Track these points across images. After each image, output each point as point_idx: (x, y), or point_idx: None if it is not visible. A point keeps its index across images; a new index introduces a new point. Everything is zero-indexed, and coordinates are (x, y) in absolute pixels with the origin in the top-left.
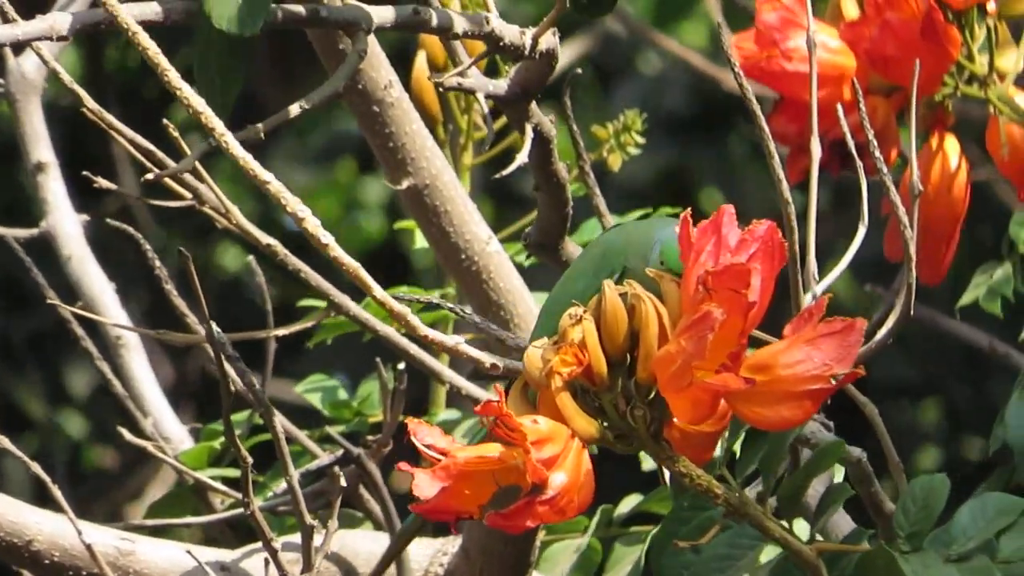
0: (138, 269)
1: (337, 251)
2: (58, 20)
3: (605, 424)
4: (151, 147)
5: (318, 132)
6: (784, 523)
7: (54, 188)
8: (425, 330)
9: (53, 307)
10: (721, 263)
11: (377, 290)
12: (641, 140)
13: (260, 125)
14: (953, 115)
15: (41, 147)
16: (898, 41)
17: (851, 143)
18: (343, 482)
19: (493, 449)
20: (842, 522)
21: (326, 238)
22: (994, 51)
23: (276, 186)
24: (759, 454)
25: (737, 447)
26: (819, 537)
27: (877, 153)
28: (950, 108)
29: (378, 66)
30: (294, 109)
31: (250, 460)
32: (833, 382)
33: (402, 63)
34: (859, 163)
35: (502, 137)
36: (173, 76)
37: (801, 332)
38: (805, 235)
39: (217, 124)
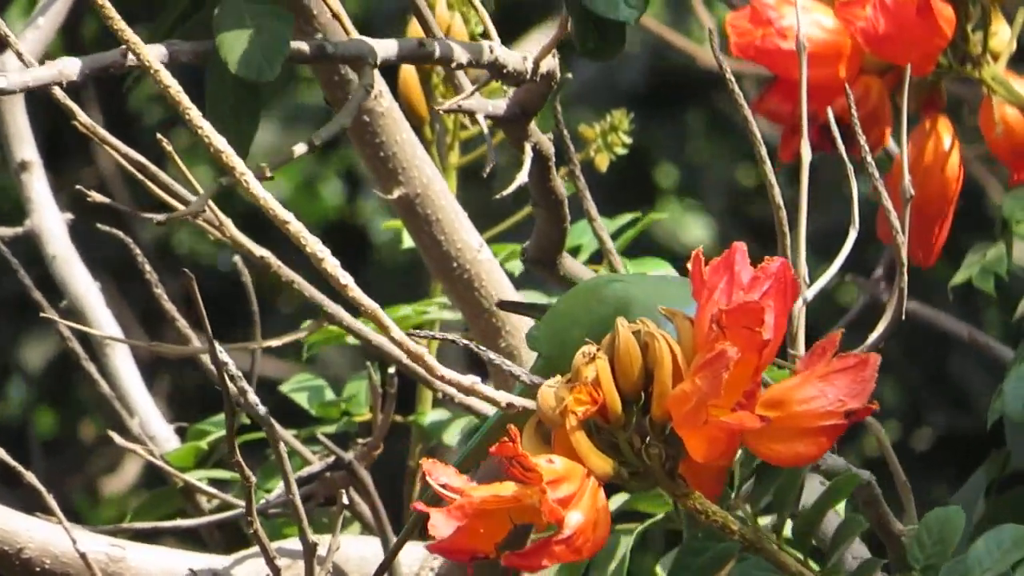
0: (117, 260)
1: (356, 292)
2: (67, 66)
3: (620, 462)
4: (143, 160)
5: (278, 103)
6: (799, 555)
7: (38, 187)
8: (442, 371)
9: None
10: (734, 301)
11: (395, 331)
12: (628, 140)
13: (265, 165)
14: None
15: (25, 146)
16: (893, 20)
17: (835, 127)
18: (333, 486)
19: (508, 488)
20: (854, 546)
21: (345, 279)
22: (988, 31)
23: (296, 226)
24: (772, 487)
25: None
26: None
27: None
28: (943, 88)
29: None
30: (300, 148)
31: (253, 480)
32: (847, 418)
33: (389, 67)
34: (848, 164)
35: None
36: (195, 114)
37: (814, 368)
38: (795, 239)
39: (238, 164)
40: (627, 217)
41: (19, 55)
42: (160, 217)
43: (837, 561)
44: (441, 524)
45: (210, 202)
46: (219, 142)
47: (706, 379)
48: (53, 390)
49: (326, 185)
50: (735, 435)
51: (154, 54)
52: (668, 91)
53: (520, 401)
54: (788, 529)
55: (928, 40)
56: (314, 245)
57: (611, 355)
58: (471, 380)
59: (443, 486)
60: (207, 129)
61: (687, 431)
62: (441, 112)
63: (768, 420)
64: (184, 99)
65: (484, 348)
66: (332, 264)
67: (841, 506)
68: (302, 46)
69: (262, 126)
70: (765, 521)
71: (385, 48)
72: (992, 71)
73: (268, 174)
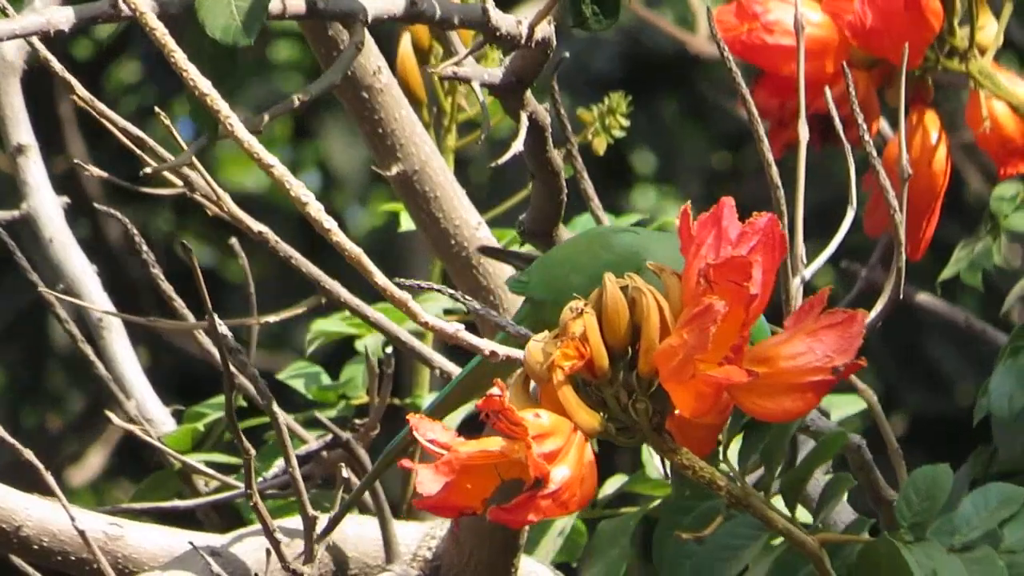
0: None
1: (339, 236)
2: (55, 15)
3: (607, 417)
4: (142, 135)
5: (254, 89)
6: (787, 512)
7: (34, 171)
8: (425, 317)
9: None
10: (722, 256)
11: (379, 276)
12: (626, 123)
13: (263, 115)
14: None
15: (21, 129)
16: (880, 14)
17: (836, 117)
18: (329, 465)
19: (495, 443)
20: (843, 509)
21: (329, 223)
22: (975, 25)
23: (280, 170)
24: (761, 444)
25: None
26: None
27: (863, 125)
28: (931, 83)
29: (367, 52)
30: (293, 100)
31: (253, 452)
32: (835, 374)
33: (389, 47)
34: (847, 145)
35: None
36: (180, 57)
37: (802, 324)
38: (793, 219)
39: (223, 107)
40: (634, 217)
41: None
42: (150, 170)
43: (825, 518)
44: (428, 480)
45: (208, 177)
46: (204, 85)
47: (693, 333)
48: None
49: (302, 175)
50: (722, 389)
51: (142, 3)
52: (642, 77)
53: (503, 350)
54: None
55: (915, 34)
56: (298, 189)
57: (598, 310)
58: (455, 327)
59: (430, 441)
60: (192, 73)
61: (674, 385)
62: (437, 78)
63: (755, 374)
64: (170, 42)
65: (469, 299)
66: (316, 208)
67: None
68: (294, 2)
69: (237, 111)
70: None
71: (377, 5)
72: (979, 65)
73: (260, 127)
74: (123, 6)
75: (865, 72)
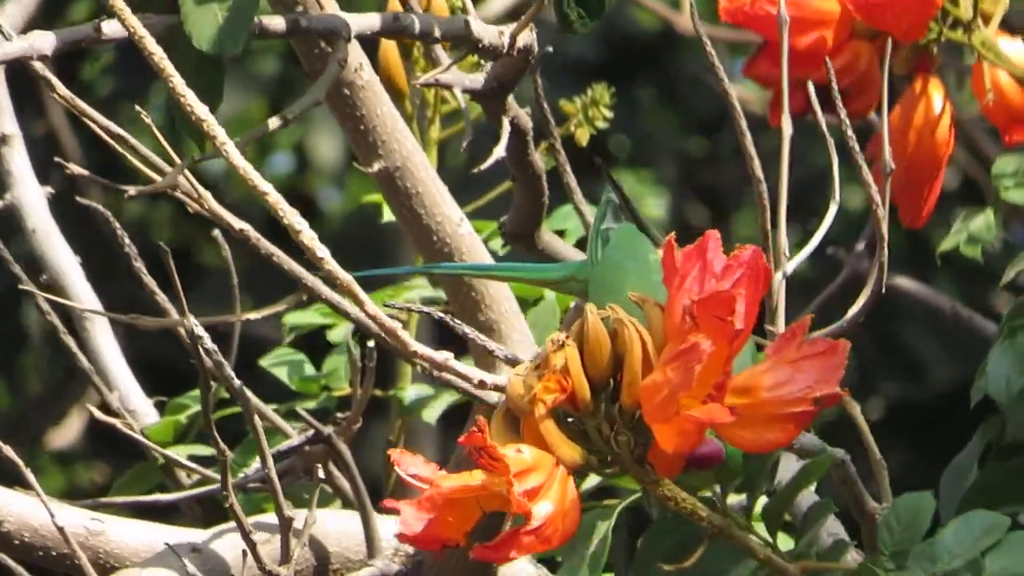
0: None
1: (332, 265)
2: (37, 40)
3: (589, 450)
4: (124, 134)
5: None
6: (768, 538)
7: (18, 160)
8: (415, 346)
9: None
10: (707, 290)
11: (369, 305)
12: (609, 114)
13: (238, 140)
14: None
15: (5, 119)
16: None
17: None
18: (311, 459)
19: (477, 477)
20: (829, 523)
21: (322, 252)
22: None
23: (275, 197)
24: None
25: None
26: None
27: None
28: (935, 52)
29: (348, 48)
30: (274, 121)
31: (230, 455)
32: (816, 404)
33: (370, 41)
34: (830, 140)
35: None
36: (178, 82)
37: (784, 353)
38: (776, 213)
39: (219, 132)
40: None
41: None
42: (132, 191)
43: (807, 544)
44: (411, 518)
45: (188, 174)
46: (201, 110)
47: (678, 371)
48: None
49: (277, 157)
50: (704, 427)
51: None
52: (617, 61)
53: (492, 379)
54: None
55: (919, 6)
56: (291, 217)
57: (580, 342)
58: (444, 356)
59: (412, 476)
60: (190, 97)
61: (657, 422)
62: (419, 86)
63: (737, 412)
64: (168, 66)
65: (459, 322)
66: (309, 236)
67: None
68: (276, 19)
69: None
70: (739, 498)
71: (360, 22)
72: (983, 36)
73: (242, 148)
74: (106, 30)
75: (867, 43)
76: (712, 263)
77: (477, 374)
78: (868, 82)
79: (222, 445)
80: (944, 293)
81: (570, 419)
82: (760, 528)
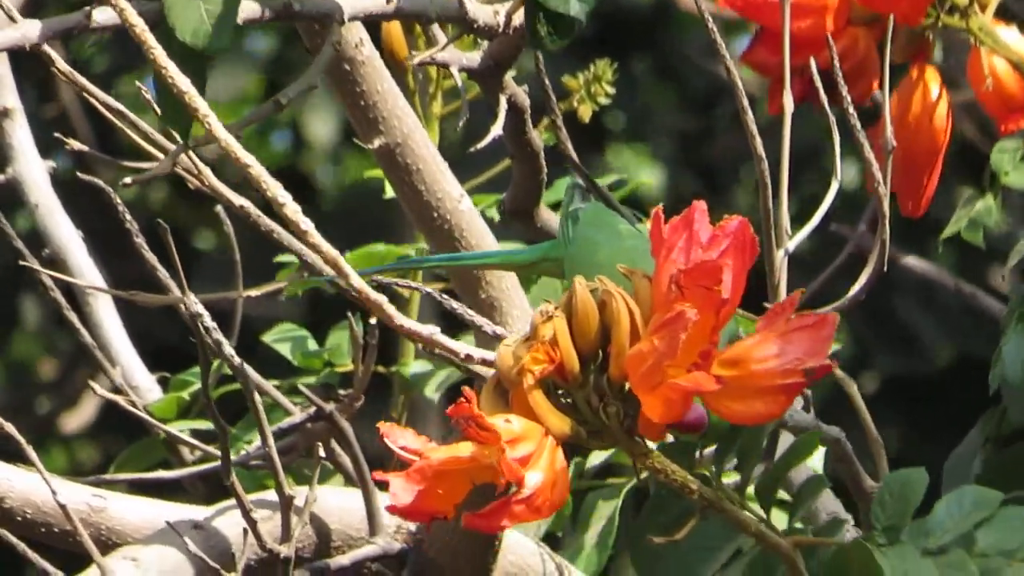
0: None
1: (316, 238)
2: (28, 30)
3: (578, 421)
4: (121, 107)
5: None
6: (762, 513)
7: (20, 135)
8: (400, 319)
9: (11, 249)
10: (693, 260)
11: (355, 278)
12: (611, 90)
13: (243, 119)
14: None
15: (7, 93)
16: None
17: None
18: (313, 437)
19: (466, 449)
20: (827, 500)
21: (306, 224)
22: None
23: (258, 170)
24: (736, 445)
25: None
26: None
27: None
28: (932, 39)
29: (349, 24)
30: (268, 107)
31: (230, 430)
32: (806, 376)
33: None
34: (831, 116)
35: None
36: (160, 55)
37: (774, 326)
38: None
39: (201, 106)
40: (612, 178)
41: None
42: (129, 180)
43: (802, 519)
44: (401, 490)
45: (190, 151)
46: (183, 83)
47: (663, 340)
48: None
49: (274, 134)
50: (691, 396)
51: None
52: (612, 35)
53: (479, 353)
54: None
55: None
56: (275, 189)
57: (568, 313)
58: (430, 331)
59: (402, 448)
60: (171, 70)
61: (644, 391)
62: (415, 66)
63: (724, 381)
64: (150, 38)
65: (449, 298)
66: (293, 209)
67: (820, 463)
68: (268, 4)
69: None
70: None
71: (353, 5)
72: (980, 21)
73: (239, 133)
74: (97, 17)
75: (866, 28)
76: (699, 234)
77: (463, 348)
78: (866, 68)
79: (222, 422)
80: (944, 268)
81: (559, 391)
82: (757, 507)
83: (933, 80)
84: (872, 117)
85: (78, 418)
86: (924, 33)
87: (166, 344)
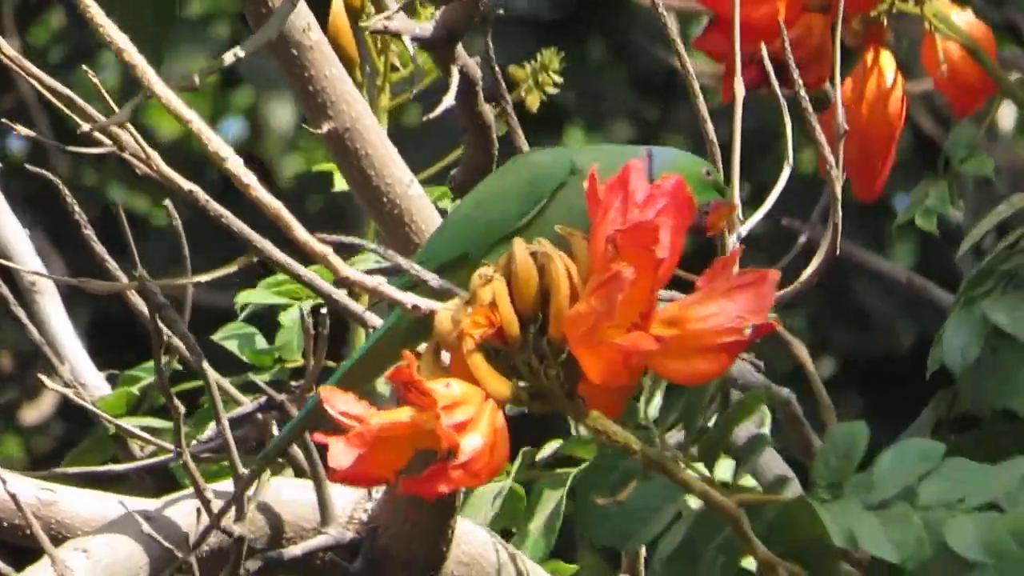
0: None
1: (259, 191)
2: None
3: (519, 384)
4: (71, 94)
5: (186, 34)
6: (706, 472)
7: None
8: (346, 270)
9: None
10: (629, 220)
11: (299, 230)
12: (559, 79)
13: (195, 76)
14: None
15: None
16: None
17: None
18: (264, 427)
19: (406, 414)
20: (773, 463)
21: (248, 178)
22: None
23: (199, 125)
24: (680, 404)
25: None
26: (751, 480)
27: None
28: (886, 24)
29: (296, 10)
30: (228, 57)
31: (182, 409)
32: (747, 335)
33: (320, 6)
34: (783, 101)
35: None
36: (97, 12)
37: (714, 284)
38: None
39: (139, 61)
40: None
41: None
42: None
43: (744, 477)
44: (340, 454)
45: (139, 137)
46: (121, 40)
47: (601, 301)
48: None
49: (230, 123)
50: (631, 356)
51: None
52: (567, 19)
53: (425, 303)
54: None
55: None
56: (216, 144)
57: (508, 276)
58: (376, 281)
59: (342, 413)
60: (110, 28)
61: (583, 352)
62: (370, 36)
63: (663, 340)
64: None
65: (393, 253)
66: (236, 163)
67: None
68: None
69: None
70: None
71: None
72: (934, 7)
73: (196, 83)
74: None
75: (821, 15)
76: (635, 194)
77: (410, 299)
78: (821, 54)
79: (176, 401)
80: (897, 257)
81: (499, 354)
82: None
83: (888, 64)
84: (830, 103)
85: (37, 411)
86: (879, 18)
87: (124, 337)
